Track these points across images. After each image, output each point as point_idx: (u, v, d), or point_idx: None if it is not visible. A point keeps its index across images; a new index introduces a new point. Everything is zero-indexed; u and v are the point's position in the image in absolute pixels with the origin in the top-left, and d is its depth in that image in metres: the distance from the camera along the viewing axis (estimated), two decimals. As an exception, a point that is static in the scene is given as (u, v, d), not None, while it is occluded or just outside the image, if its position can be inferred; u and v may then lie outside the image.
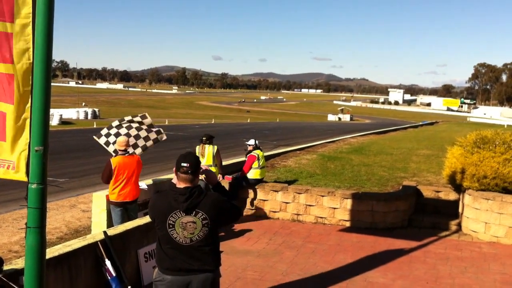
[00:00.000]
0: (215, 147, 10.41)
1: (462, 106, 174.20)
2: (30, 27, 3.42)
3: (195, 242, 3.84)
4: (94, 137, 9.49)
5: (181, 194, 3.82)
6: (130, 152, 8.29)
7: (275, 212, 10.59)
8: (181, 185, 3.88)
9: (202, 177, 4.10)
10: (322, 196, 10.23)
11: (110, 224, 8.24)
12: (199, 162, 4.00)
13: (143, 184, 9.34)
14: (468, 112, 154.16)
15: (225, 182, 10.54)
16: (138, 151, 9.06)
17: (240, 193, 10.71)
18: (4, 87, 3.50)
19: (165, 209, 3.86)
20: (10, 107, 3.51)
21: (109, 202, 8.26)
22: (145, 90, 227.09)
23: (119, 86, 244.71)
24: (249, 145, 10.99)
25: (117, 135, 9.12)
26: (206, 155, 10.18)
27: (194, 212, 3.80)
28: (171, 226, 3.83)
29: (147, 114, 9.70)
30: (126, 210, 8.17)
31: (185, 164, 3.84)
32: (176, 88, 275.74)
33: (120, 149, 8.16)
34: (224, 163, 12.01)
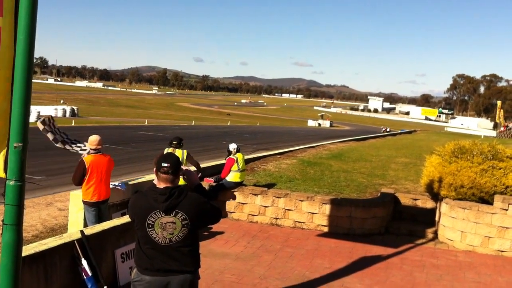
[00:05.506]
0: (185, 151, 10.20)
1: (440, 116, 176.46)
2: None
3: (174, 242, 3.81)
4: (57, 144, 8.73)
5: (161, 194, 3.80)
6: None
7: (254, 215, 10.58)
8: (161, 185, 3.85)
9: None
10: (301, 201, 10.25)
11: (87, 223, 8.13)
12: (180, 163, 3.98)
13: (122, 184, 9.25)
14: (446, 122, 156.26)
15: (205, 184, 10.49)
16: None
17: (220, 196, 10.67)
18: None
19: (144, 209, 3.83)
20: None
21: (83, 202, 8.11)
22: (125, 89, 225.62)
23: (99, 84, 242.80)
24: (233, 149, 10.90)
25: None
26: None
27: (173, 213, 3.78)
28: (150, 226, 3.80)
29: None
30: (100, 209, 8.06)
31: (165, 164, 3.83)
32: (157, 88, 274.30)
33: (92, 147, 7.99)
34: (204, 165, 11.96)
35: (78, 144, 8.85)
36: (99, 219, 7.83)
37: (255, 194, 10.57)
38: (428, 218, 10.61)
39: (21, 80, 3.25)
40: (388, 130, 67.01)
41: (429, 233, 10.11)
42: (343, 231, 9.96)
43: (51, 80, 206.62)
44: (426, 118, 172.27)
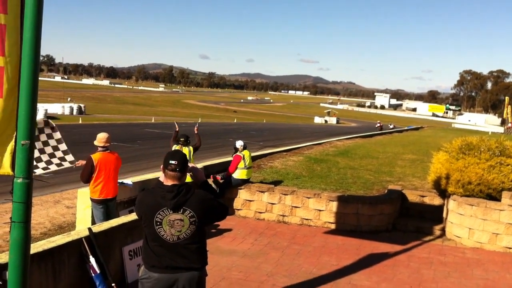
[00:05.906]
0: (191, 148, 10.48)
1: (447, 112, 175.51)
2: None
3: (182, 239, 3.82)
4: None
5: (169, 192, 3.80)
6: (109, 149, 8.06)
7: (260, 212, 10.58)
8: (168, 182, 3.85)
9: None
10: (308, 198, 10.24)
11: (94, 221, 8.15)
12: (187, 160, 3.98)
13: (129, 181, 9.27)
14: (453, 118, 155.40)
15: (211, 181, 10.50)
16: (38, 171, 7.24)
17: (226, 193, 10.68)
18: None
19: (152, 207, 3.83)
20: None
21: (90, 200, 8.11)
22: (131, 87, 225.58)
23: (105, 82, 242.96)
24: (240, 146, 10.94)
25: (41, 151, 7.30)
26: None
27: (181, 210, 3.78)
28: (158, 223, 3.80)
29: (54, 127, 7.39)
30: (107, 207, 8.08)
31: (173, 162, 3.83)
32: (163, 86, 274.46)
33: (100, 145, 8.00)
34: (211, 162, 11.98)
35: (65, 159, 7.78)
36: (107, 217, 7.84)
37: (262, 191, 10.57)
38: (435, 215, 10.58)
39: (28, 78, 3.27)
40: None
41: (437, 230, 10.08)
42: (350, 228, 9.95)
43: (58, 78, 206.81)
44: (433, 115, 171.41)
